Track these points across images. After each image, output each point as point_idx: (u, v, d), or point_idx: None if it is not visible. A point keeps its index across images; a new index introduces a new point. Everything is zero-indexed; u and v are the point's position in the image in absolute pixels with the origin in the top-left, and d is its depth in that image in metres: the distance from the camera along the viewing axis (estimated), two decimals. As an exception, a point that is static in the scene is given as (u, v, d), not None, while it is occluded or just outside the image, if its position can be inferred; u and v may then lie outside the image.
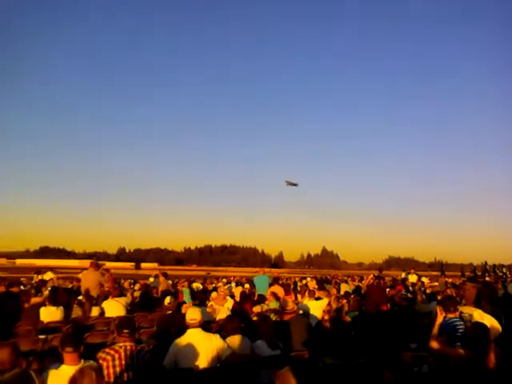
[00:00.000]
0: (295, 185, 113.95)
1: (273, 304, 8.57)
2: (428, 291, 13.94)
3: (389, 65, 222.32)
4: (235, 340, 4.56)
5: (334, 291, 12.80)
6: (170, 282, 14.03)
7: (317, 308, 8.03)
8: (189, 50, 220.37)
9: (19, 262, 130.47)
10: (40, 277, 16.54)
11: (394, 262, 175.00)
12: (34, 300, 7.83)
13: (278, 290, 9.92)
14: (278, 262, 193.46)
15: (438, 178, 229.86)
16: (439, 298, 7.92)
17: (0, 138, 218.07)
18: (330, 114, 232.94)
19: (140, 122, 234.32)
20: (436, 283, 19.76)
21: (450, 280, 20.84)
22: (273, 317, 6.48)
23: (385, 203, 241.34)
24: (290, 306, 6.00)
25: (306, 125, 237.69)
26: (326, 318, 7.26)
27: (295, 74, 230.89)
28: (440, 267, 75.17)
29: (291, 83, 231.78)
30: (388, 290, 11.99)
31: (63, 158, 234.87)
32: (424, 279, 22.52)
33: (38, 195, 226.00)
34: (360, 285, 14.05)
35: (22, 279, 17.65)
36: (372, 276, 9.71)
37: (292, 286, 15.26)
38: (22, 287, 12.32)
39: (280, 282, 12.72)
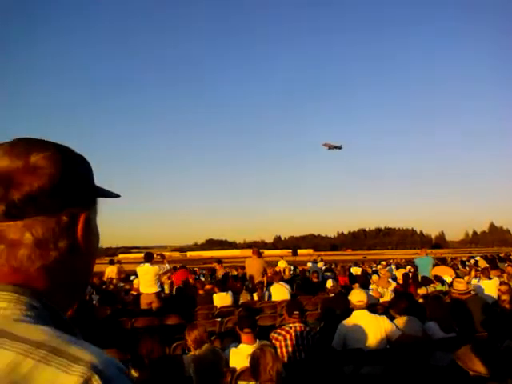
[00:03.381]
0: (339, 148, 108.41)
1: (439, 286, 8.08)
2: None
3: None
4: (404, 321, 4.40)
5: (509, 269, 11.50)
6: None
7: (491, 288, 7.37)
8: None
9: (189, 254, 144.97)
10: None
11: None
12: (207, 287, 8.61)
13: (447, 270, 9.29)
14: (439, 242, 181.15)
15: None
16: None
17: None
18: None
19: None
20: None
21: None
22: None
23: None
24: (463, 286, 5.56)
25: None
26: (505, 298, 6.55)
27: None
28: None
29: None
30: None
31: (233, 159, 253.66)
32: None
33: (201, 196, 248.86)
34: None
35: (195, 269, 19.54)
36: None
37: (460, 266, 14.15)
38: (196, 277, 13.63)
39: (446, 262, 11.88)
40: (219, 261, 13.43)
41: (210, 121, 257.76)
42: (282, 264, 19.49)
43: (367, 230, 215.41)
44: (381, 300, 7.44)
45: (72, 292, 0.66)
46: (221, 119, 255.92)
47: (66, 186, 0.61)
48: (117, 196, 0.71)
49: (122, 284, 11.84)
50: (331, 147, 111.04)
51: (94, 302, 7.36)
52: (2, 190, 0.57)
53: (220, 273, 12.19)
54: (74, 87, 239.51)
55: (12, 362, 0.50)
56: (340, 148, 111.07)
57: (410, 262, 20.65)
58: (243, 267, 12.67)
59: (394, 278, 10.67)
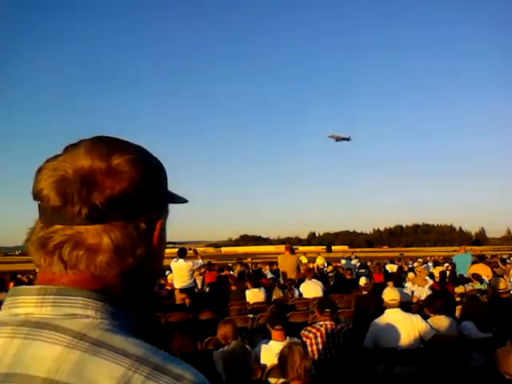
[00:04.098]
0: (347, 139, 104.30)
1: (477, 285, 7.84)
2: None
3: None
4: (439, 320, 4.28)
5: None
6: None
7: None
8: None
9: (224, 249, 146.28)
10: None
11: None
12: (240, 283, 8.65)
13: (484, 268, 8.99)
14: (479, 239, 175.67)
15: None
16: None
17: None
18: None
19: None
20: None
21: None
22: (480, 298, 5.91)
23: None
24: (503, 285, 5.38)
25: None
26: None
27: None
28: None
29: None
30: None
31: (267, 156, 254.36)
32: None
33: (236, 192, 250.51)
34: None
35: (230, 264, 19.68)
36: None
37: (500, 264, 13.67)
38: (231, 272, 13.74)
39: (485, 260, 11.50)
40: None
41: (240, 115, 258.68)
42: (319, 260, 19.57)
43: (404, 226, 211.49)
44: (416, 299, 7.28)
45: (140, 297, 0.65)
46: (250, 115, 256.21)
47: (145, 192, 0.60)
48: (185, 201, 0.69)
49: (156, 279, 12.07)
50: (338, 139, 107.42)
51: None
52: (85, 192, 0.55)
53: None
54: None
55: (123, 377, 0.50)
56: (348, 140, 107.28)
57: (448, 259, 20.14)
58: (276, 263, 12.68)
59: (431, 276, 10.41)
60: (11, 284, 10.21)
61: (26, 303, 0.55)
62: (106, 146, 0.60)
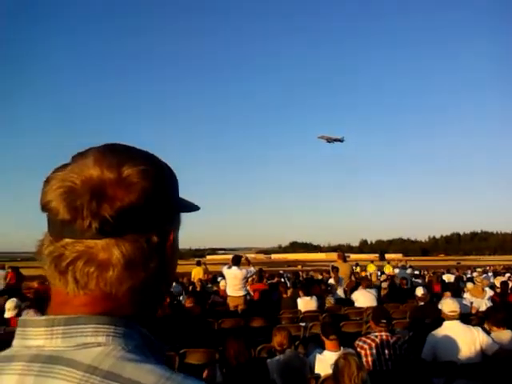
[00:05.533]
0: (340, 140, 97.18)
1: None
2: None
3: None
4: (502, 334, 4.10)
5: None
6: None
7: None
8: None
9: (274, 256, 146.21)
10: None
11: None
12: (290, 291, 8.63)
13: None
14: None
15: None
16: None
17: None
18: None
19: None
20: None
21: None
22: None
23: None
24: None
25: None
26: None
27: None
28: None
29: None
30: None
31: (318, 163, 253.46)
32: None
33: (287, 198, 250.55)
34: None
35: (281, 271, 19.67)
36: None
37: None
38: (282, 279, 13.73)
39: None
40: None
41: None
42: (370, 268, 19.26)
43: (461, 233, 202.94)
44: (474, 310, 6.98)
45: (152, 309, 0.63)
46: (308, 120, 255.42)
47: (157, 203, 0.57)
48: (197, 209, 0.66)
49: (209, 285, 12.28)
50: (330, 140, 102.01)
51: (183, 301, 7.70)
52: (95, 205, 0.53)
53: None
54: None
55: None
56: (341, 141, 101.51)
57: (510, 269, 19.12)
58: (328, 271, 12.55)
59: (492, 287, 9.93)
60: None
61: (36, 335, 0.54)
62: (115, 155, 0.58)
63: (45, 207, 0.56)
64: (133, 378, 0.50)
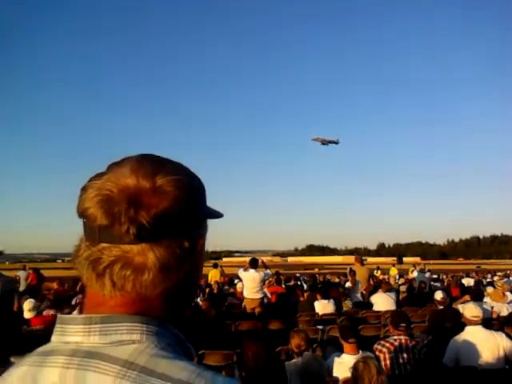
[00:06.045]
0: (335, 142, 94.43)
1: None
2: None
3: None
4: (525, 340, 4.01)
5: None
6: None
7: None
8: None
9: (290, 259, 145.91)
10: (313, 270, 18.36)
11: None
12: (307, 294, 8.59)
13: None
14: None
15: None
16: None
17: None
18: None
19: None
20: None
21: None
22: None
23: None
24: None
25: None
26: None
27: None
28: None
29: None
30: None
31: (338, 167, 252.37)
32: None
33: (303, 201, 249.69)
34: None
35: (297, 274, 19.60)
36: None
37: None
38: (298, 282, 13.68)
39: None
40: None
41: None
42: (393, 271, 19.27)
43: (481, 237, 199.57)
44: (495, 315, 6.84)
45: (181, 311, 0.66)
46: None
47: (189, 211, 0.61)
48: (221, 216, 0.70)
49: (226, 287, 12.31)
50: (324, 142, 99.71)
51: (200, 303, 7.73)
52: (132, 211, 0.56)
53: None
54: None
55: None
56: (336, 143, 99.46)
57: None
58: (345, 274, 12.46)
59: (512, 291, 9.72)
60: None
61: (75, 332, 0.58)
62: (150, 165, 0.61)
63: (82, 214, 0.59)
64: (166, 373, 0.53)
